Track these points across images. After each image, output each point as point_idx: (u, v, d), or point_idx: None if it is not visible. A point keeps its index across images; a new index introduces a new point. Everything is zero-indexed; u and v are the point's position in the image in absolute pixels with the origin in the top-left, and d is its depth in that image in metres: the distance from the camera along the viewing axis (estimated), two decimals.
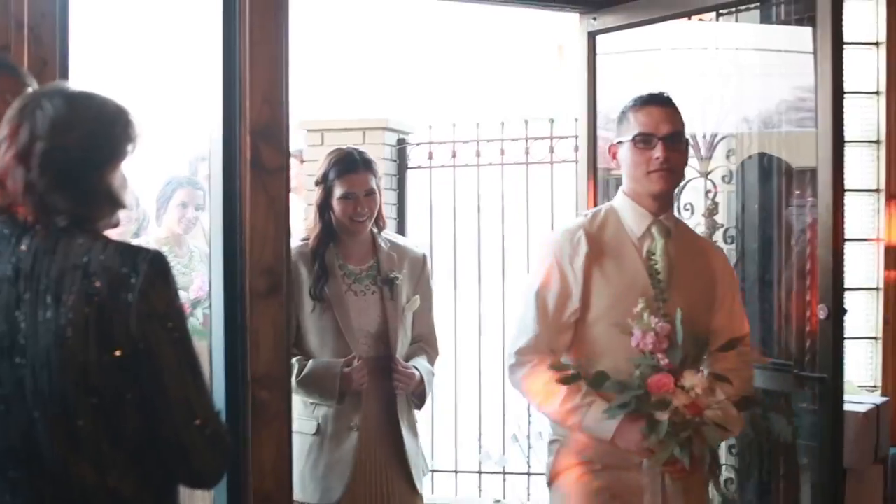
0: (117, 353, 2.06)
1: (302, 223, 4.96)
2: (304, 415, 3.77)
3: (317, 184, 3.85)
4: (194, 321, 4.54)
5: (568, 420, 3.17)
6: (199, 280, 4.73)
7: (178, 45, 5.71)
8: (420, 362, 3.89)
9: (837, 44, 3.68)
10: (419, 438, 4.00)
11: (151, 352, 2.08)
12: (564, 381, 3.11)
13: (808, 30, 3.90)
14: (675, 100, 3.32)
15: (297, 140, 6.06)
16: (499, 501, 6.33)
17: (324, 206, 3.81)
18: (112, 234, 2.25)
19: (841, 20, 3.68)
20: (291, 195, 3.35)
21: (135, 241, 3.51)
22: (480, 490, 6.41)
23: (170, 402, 2.10)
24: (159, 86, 6.34)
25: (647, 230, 3.25)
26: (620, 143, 3.26)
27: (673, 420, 2.94)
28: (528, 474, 6.33)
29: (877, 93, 5.28)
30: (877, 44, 5.27)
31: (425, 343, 4.00)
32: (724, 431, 3.11)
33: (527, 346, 3.25)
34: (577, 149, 5.53)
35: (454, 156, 6.43)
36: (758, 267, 4.42)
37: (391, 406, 3.82)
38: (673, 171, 3.23)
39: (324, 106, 7.06)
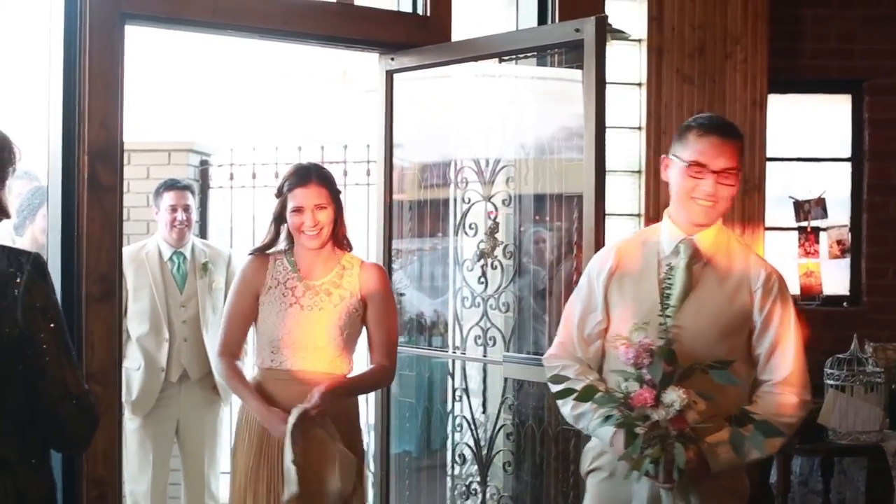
0: (6, 339, 2.40)
1: None
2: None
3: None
4: None
5: (578, 424, 3.28)
6: None
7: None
8: None
9: (601, 88, 4.18)
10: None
11: (34, 338, 2.43)
12: (557, 395, 3.24)
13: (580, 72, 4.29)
14: (734, 129, 3.25)
15: None
16: None
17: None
18: None
19: (604, 68, 4.19)
20: None
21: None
22: None
23: (49, 380, 2.44)
24: None
25: (675, 249, 3.22)
26: (675, 158, 3.22)
27: (652, 434, 2.91)
28: None
29: (639, 128, 5.90)
30: (640, 84, 5.90)
31: None
32: (701, 451, 3.02)
33: (551, 353, 3.41)
34: (368, 173, 5.93)
35: (254, 177, 6.71)
36: (532, 278, 4.88)
37: None
38: (717, 205, 3.16)
39: (130, 128, 7.21)
